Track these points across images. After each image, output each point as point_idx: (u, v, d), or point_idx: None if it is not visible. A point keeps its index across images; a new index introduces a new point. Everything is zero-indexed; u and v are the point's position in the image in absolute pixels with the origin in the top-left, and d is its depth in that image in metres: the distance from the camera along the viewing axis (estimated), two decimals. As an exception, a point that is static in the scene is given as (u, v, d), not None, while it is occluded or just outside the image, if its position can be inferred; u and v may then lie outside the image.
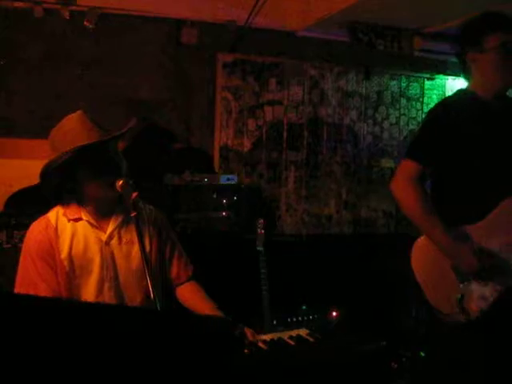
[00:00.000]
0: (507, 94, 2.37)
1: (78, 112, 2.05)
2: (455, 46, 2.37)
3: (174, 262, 2.32)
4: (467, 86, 2.38)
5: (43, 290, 2.00)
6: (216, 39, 4.36)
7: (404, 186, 2.27)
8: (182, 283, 2.35)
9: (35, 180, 3.57)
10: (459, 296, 2.20)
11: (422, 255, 2.34)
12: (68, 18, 3.84)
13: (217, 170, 4.41)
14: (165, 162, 3.77)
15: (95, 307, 1.19)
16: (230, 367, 1.03)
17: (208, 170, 4.34)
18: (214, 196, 3.90)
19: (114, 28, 4.07)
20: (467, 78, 2.37)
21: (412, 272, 2.36)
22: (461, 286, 2.22)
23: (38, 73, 3.91)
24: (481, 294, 2.18)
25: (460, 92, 2.39)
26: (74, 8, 3.82)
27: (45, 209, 2.17)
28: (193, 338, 1.03)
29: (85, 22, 3.88)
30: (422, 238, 2.34)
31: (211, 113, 4.43)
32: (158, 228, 2.26)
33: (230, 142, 4.48)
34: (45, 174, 2.00)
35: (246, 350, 2.36)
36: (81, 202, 2.10)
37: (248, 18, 4.02)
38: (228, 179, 4.03)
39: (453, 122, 2.22)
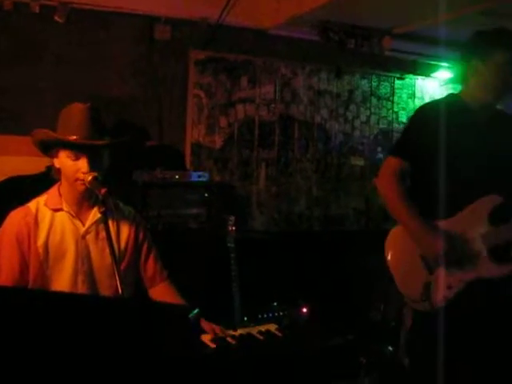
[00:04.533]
0: (495, 106, 2.47)
1: (86, 105, 2.08)
2: (459, 50, 2.46)
3: (150, 264, 2.32)
4: (459, 92, 2.48)
5: (4, 279, 2.00)
6: (189, 36, 4.36)
7: (386, 180, 2.43)
8: (156, 285, 2.35)
9: (6, 175, 3.57)
10: (426, 284, 2.28)
11: (395, 243, 2.46)
12: (38, 11, 3.78)
13: (188, 167, 4.41)
14: (136, 159, 3.75)
15: (58, 296, 1.20)
16: (187, 352, 1.05)
17: (179, 166, 4.34)
18: (185, 193, 3.91)
19: (85, 23, 4.04)
20: (461, 83, 2.46)
21: (383, 264, 2.45)
22: (428, 274, 2.30)
23: (7, 67, 3.85)
24: (447, 284, 2.27)
25: (450, 97, 2.50)
26: (44, 2, 3.77)
27: (18, 204, 2.16)
28: (147, 324, 1.05)
29: (55, 17, 3.83)
30: (397, 227, 2.46)
31: (183, 110, 4.43)
32: (136, 229, 2.27)
33: (201, 139, 4.48)
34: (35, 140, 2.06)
35: (213, 345, 2.38)
36: (61, 191, 2.12)
37: (220, 15, 4.04)
38: (199, 176, 4.03)
39: (438, 125, 2.31)
